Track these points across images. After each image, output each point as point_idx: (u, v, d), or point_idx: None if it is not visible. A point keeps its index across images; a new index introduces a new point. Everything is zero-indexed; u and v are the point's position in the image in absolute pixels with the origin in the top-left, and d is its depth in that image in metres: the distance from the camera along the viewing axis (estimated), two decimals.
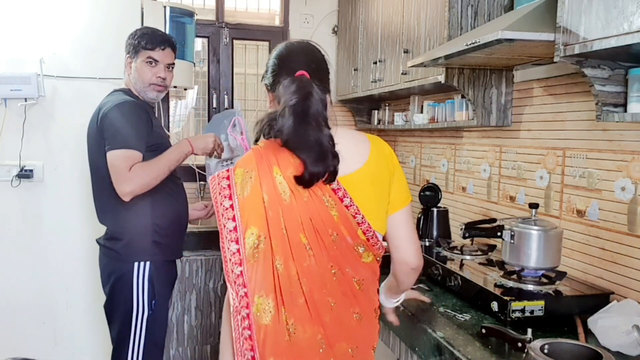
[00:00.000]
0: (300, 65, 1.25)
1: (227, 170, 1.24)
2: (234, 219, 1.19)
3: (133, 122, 1.89)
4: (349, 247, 1.21)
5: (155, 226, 1.95)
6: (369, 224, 1.20)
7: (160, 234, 1.97)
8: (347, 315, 1.21)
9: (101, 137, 1.88)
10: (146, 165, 1.87)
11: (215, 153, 2.05)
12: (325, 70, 1.31)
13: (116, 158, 1.83)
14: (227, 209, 1.20)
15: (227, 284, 1.18)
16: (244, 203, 1.19)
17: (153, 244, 1.95)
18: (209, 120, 3.55)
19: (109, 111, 1.89)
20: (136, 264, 1.92)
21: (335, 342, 1.19)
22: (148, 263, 1.94)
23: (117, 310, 1.96)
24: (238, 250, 1.18)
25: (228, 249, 1.19)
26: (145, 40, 2.02)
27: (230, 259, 1.19)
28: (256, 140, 1.26)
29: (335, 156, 1.18)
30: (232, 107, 3.55)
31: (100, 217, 2.02)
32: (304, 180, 1.17)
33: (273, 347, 1.16)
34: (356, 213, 1.19)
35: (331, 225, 1.18)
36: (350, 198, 1.19)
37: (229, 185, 1.22)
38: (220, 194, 1.22)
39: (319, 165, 1.16)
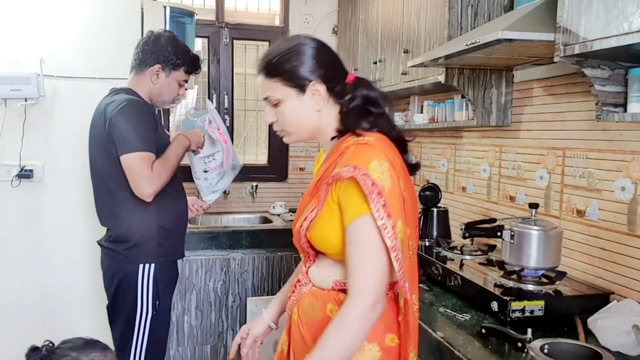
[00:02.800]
0: (344, 67, 1.33)
1: (363, 171, 1.15)
2: (389, 216, 1.13)
3: (142, 123, 1.89)
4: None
5: (160, 228, 1.95)
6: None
7: (165, 236, 1.97)
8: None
9: (108, 140, 1.87)
10: (163, 163, 1.90)
11: (197, 149, 2.16)
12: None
13: (134, 161, 1.82)
14: (383, 205, 1.13)
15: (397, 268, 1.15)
16: (390, 196, 1.14)
17: (158, 246, 1.95)
18: None
19: (117, 113, 1.85)
20: (141, 265, 1.92)
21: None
22: (153, 265, 1.94)
23: (120, 311, 1.96)
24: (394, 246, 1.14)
25: (396, 249, 1.14)
26: (189, 64, 2.05)
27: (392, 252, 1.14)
28: (351, 131, 1.24)
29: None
30: (232, 107, 3.55)
31: (103, 219, 2.01)
32: (414, 168, 1.31)
33: (413, 331, 1.23)
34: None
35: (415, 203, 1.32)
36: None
37: (373, 183, 1.13)
38: (377, 196, 1.14)
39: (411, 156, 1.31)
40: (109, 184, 1.92)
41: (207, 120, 2.22)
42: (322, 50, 1.28)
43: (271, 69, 1.25)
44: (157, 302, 1.96)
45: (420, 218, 2.42)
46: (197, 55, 2.12)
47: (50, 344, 1.20)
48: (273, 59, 1.25)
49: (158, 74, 1.99)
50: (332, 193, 1.20)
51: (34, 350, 1.19)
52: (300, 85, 1.23)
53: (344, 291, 1.23)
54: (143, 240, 1.93)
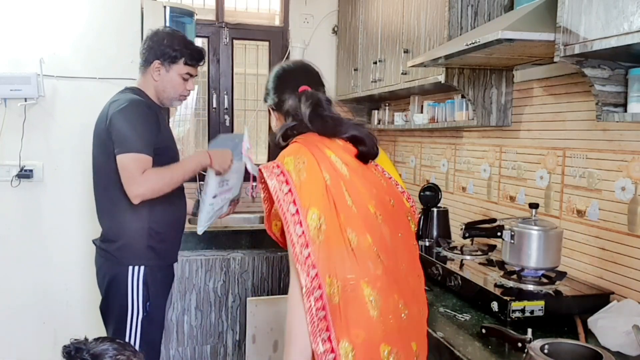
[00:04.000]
0: (301, 82, 1.41)
1: (274, 163, 1.27)
2: (294, 203, 1.21)
3: (142, 124, 1.87)
4: (405, 212, 1.36)
5: (151, 230, 1.93)
6: (408, 193, 1.39)
7: (156, 239, 1.95)
8: (413, 277, 1.30)
9: (108, 137, 1.86)
10: (161, 171, 1.85)
11: (220, 171, 2.01)
12: (322, 84, 1.46)
13: (127, 162, 1.81)
14: (286, 193, 1.22)
15: (297, 266, 1.18)
16: (301, 186, 1.22)
17: (148, 249, 1.93)
18: (208, 120, 3.55)
19: (118, 112, 1.85)
20: (130, 267, 1.91)
21: (411, 306, 1.25)
22: (142, 267, 1.92)
23: (112, 312, 1.96)
24: (303, 232, 1.19)
25: (294, 232, 1.20)
26: (188, 56, 1.99)
27: (297, 242, 1.19)
28: (277, 145, 1.41)
29: (374, 135, 1.37)
30: (232, 107, 3.55)
31: (99, 217, 2.02)
32: (364, 155, 1.34)
33: (354, 322, 1.18)
34: (396, 183, 1.38)
35: (387, 192, 1.33)
36: (386, 171, 1.39)
37: (282, 172, 1.24)
38: (277, 180, 1.24)
39: (369, 144, 1.34)
40: (104, 182, 1.91)
41: (245, 145, 1.97)
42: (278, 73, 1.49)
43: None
44: (148, 303, 1.95)
45: (420, 218, 2.43)
46: (198, 47, 2.06)
47: (75, 340, 1.20)
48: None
49: (159, 70, 1.97)
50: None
51: (71, 351, 1.18)
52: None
53: None
54: (131, 241, 1.91)
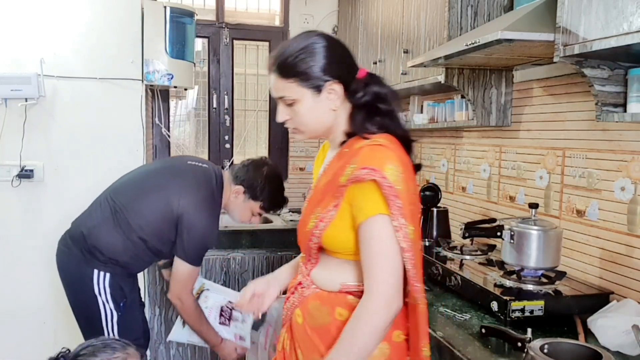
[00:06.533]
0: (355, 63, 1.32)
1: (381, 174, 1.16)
2: (404, 217, 1.15)
3: (209, 239, 1.99)
4: None
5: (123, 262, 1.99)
6: None
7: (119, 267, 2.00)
8: None
9: (172, 213, 1.92)
10: (196, 315, 2.06)
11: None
12: None
13: (186, 272, 1.97)
14: (399, 207, 1.15)
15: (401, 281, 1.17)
16: (403, 199, 1.16)
17: (113, 266, 1.98)
18: (209, 120, 3.55)
19: (197, 211, 1.93)
20: (96, 271, 1.94)
21: None
22: (108, 274, 1.96)
23: (84, 312, 2.01)
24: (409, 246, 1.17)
25: (410, 250, 1.16)
26: (268, 204, 2.13)
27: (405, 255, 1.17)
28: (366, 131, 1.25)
29: None
30: (232, 107, 3.55)
31: (99, 228, 1.97)
32: (417, 168, 1.31)
33: (424, 326, 1.24)
34: None
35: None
36: None
37: (390, 185, 1.15)
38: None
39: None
40: (132, 221, 1.94)
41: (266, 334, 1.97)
42: (336, 47, 1.27)
43: (286, 69, 1.23)
44: (122, 304, 1.97)
45: (420, 218, 2.42)
46: (282, 200, 2.14)
47: (67, 351, 1.19)
48: (288, 59, 1.22)
49: (237, 195, 2.07)
50: (346, 195, 1.20)
51: None
52: (317, 85, 1.22)
53: (352, 293, 1.24)
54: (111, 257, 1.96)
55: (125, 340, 1.29)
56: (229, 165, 2.20)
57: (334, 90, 1.23)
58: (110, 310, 1.94)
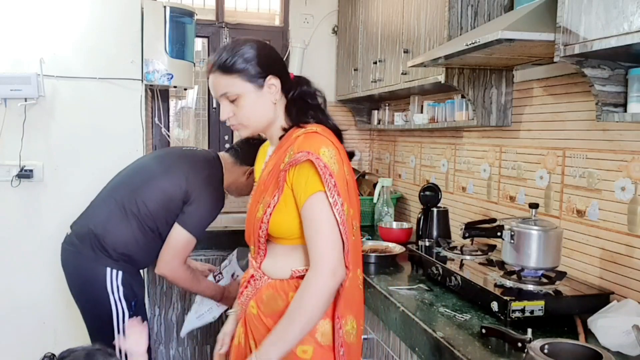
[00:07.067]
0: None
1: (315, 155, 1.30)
2: (339, 195, 1.29)
3: (214, 211, 1.99)
4: None
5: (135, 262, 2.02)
6: None
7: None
8: None
9: (184, 194, 1.94)
10: (191, 278, 2.02)
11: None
12: None
13: (184, 240, 1.93)
14: (334, 185, 1.29)
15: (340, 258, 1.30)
16: (337, 178, 1.29)
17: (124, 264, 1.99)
18: (208, 120, 3.55)
19: (204, 188, 1.96)
20: (108, 269, 1.95)
21: None
22: (120, 272, 1.96)
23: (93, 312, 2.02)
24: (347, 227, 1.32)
25: (344, 224, 1.30)
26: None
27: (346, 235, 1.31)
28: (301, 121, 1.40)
29: None
30: None
31: (110, 223, 1.98)
32: (351, 156, 1.45)
33: (354, 300, 1.40)
34: None
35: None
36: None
37: (325, 165, 1.29)
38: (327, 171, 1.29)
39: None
40: (140, 209, 1.94)
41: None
42: (270, 49, 1.43)
43: (229, 66, 1.34)
44: (134, 303, 1.97)
45: (420, 218, 2.43)
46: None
47: (52, 356, 1.19)
48: (228, 59, 1.34)
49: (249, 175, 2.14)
50: (287, 179, 1.31)
51: None
52: (258, 80, 1.35)
53: (302, 278, 1.34)
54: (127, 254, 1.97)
55: (109, 350, 1.29)
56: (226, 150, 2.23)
57: (274, 85, 1.37)
58: (122, 309, 1.94)
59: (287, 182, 1.31)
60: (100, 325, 1.94)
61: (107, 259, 1.93)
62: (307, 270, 1.32)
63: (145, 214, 1.94)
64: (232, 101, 1.36)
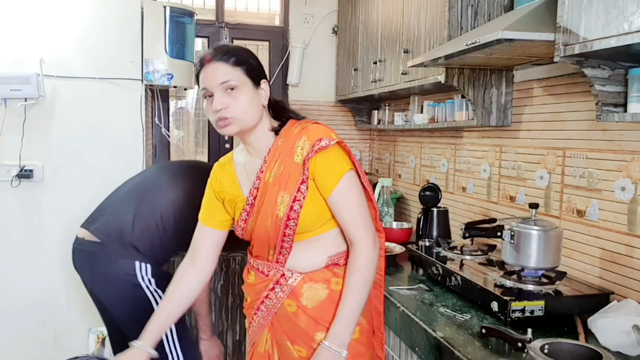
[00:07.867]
0: None
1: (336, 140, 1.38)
2: (360, 166, 1.43)
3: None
4: None
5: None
6: None
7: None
8: None
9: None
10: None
11: None
12: None
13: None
14: (357, 159, 1.42)
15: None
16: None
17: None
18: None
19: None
20: (137, 262, 1.96)
21: None
22: (149, 265, 1.97)
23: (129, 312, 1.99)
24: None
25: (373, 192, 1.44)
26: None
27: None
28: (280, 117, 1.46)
29: None
30: None
31: (130, 215, 2.01)
32: None
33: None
34: None
35: None
36: None
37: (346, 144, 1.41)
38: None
39: None
40: (162, 211, 1.99)
41: None
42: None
43: (236, 57, 1.36)
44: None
45: (420, 218, 2.43)
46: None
47: None
48: (238, 51, 1.38)
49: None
50: (310, 167, 1.33)
51: None
52: (256, 78, 1.38)
53: (337, 264, 1.38)
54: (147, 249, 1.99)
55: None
56: None
57: (264, 90, 1.40)
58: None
59: (310, 174, 1.33)
60: (136, 316, 1.92)
61: (135, 253, 1.95)
62: (340, 253, 1.39)
63: (166, 216, 2.00)
64: (231, 89, 1.34)
